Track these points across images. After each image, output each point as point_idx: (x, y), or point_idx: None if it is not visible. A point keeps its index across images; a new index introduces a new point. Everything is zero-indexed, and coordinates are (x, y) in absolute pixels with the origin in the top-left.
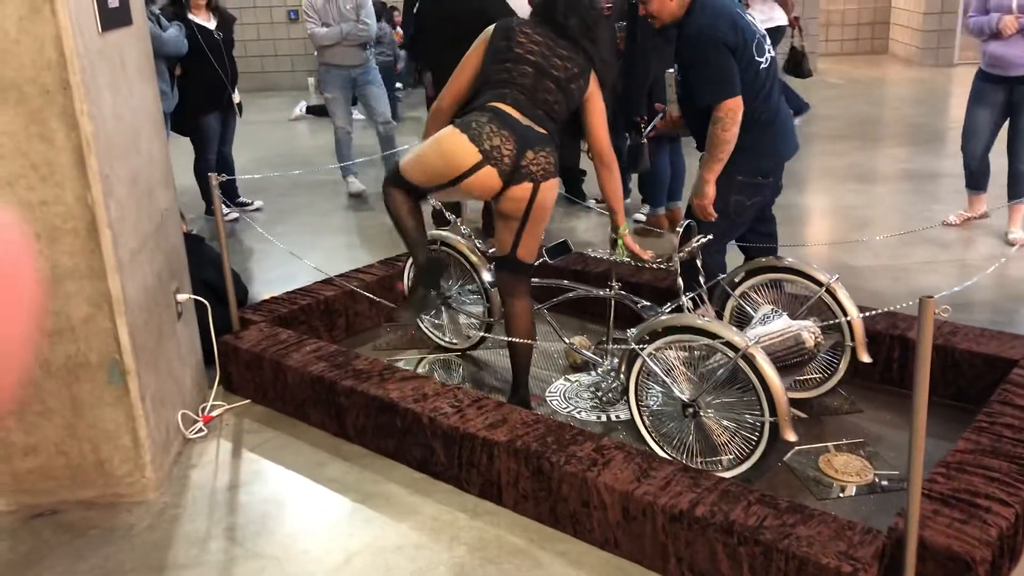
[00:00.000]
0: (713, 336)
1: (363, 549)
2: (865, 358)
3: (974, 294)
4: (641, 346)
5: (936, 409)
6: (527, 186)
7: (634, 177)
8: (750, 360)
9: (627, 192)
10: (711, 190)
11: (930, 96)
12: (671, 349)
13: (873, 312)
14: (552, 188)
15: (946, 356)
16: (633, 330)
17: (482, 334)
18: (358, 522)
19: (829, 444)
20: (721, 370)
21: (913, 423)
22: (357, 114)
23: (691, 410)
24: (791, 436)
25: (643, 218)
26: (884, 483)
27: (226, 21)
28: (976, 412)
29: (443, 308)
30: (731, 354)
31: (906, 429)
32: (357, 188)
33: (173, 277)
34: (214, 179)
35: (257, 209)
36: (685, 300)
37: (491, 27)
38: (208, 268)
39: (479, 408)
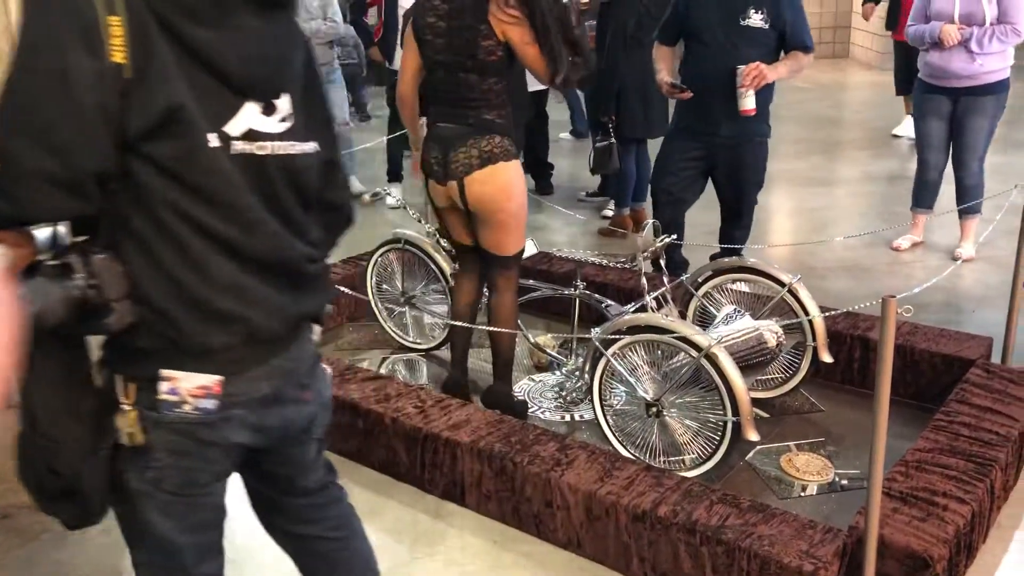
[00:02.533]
0: (676, 335)
1: None
2: (827, 358)
3: (930, 296)
4: (606, 345)
5: (895, 408)
6: (452, 185)
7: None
8: (713, 359)
9: (605, 190)
10: (773, 75)
11: (889, 100)
12: (635, 349)
13: (834, 312)
14: (484, 181)
15: (905, 355)
16: (597, 329)
17: (446, 334)
18: None
19: (790, 443)
20: (684, 369)
21: (875, 421)
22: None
23: (654, 409)
24: (753, 435)
25: (610, 215)
26: (844, 482)
27: None
28: (934, 411)
29: (407, 308)
30: (694, 353)
31: (866, 429)
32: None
33: None
34: None
35: None
36: (649, 300)
37: (408, 29)
38: None
39: (442, 409)
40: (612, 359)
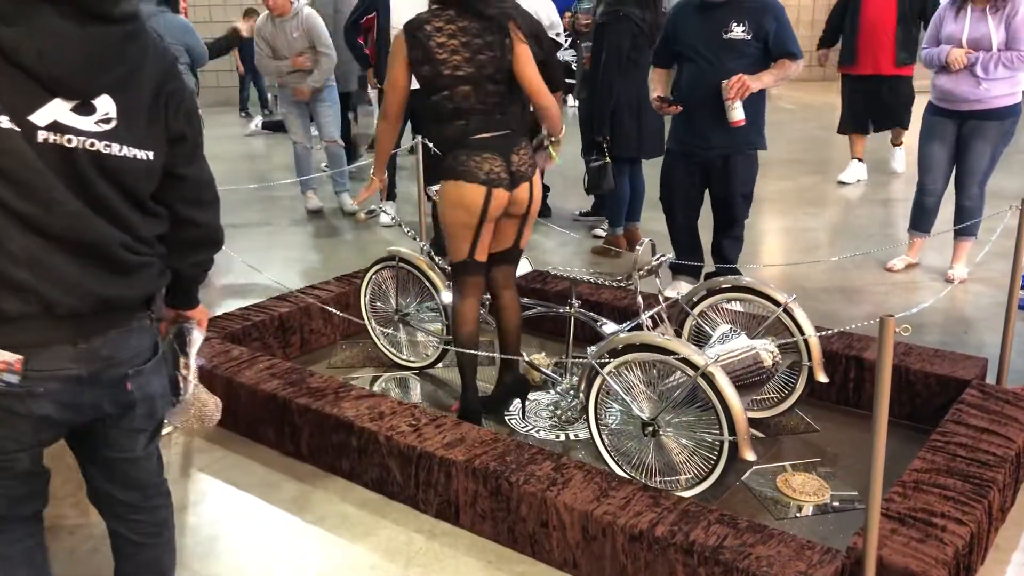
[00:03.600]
0: (673, 354)
1: (315, 573)
2: (822, 378)
3: (925, 316)
4: (601, 363)
5: (891, 429)
6: (524, 186)
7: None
8: (709, 379)
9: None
10: (758, 85)
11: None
12: (631, 368)
13: (829, 332)
14: (537, 180)
15: (900, 376)
16: (593, 348)
17: (440, 350)
18: (310, 545)
19: (786, 464)
20: (680, 389)
21: (873, 442)
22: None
23: (650, 429)
24: (750, 455)
25: (602, 234)
26: (839, 503)
27: None
28: (930, 432)
29: (400, 325)
30: (691, 372)
31: (861, 449)
32: (315, 204)
33: None
34: None
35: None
36: (645, 318)
37: (396, 43)
38: None
39: (437, 427)
40: (608, 378)
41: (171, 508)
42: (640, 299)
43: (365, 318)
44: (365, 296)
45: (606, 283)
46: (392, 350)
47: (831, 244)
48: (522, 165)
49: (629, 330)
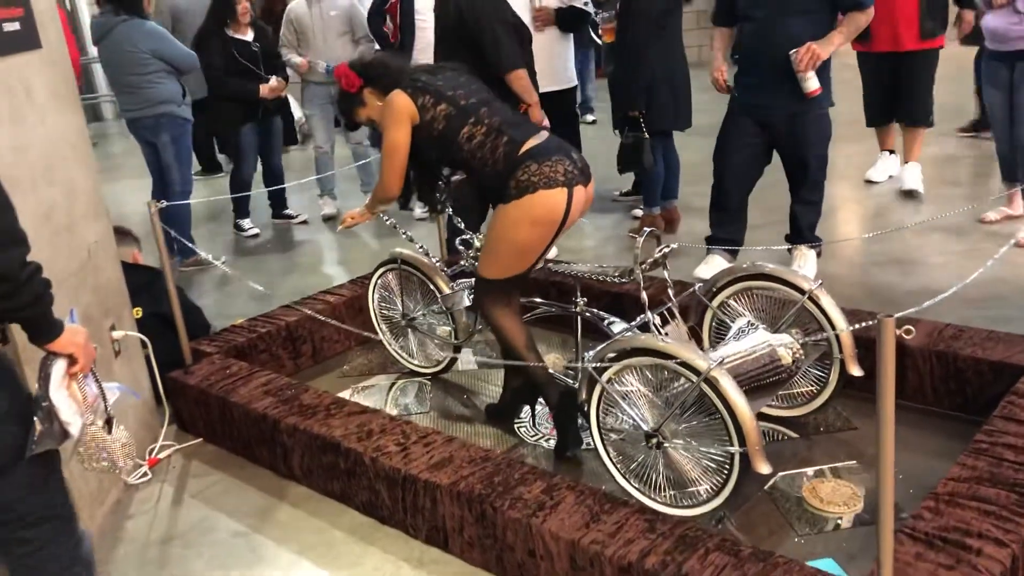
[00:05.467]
0: (671, 358)
1: None
2: (856, 371)
3: (987, 288)
4: (600, 369)
5: (938, 422)
6: (592, 181)
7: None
8: (713, 384)
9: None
10: (829, 50)
11: (957, 72)
12: (632, 373)
13: (867, 322)
14: None
15: (948, 363)
16: (591, 352)
17: (451, 356)
18: None
19: (817, 468)
20: (684, 396)
21: (880, 460)
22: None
23: (655, 440)
24: (764, 468)
25: (639, 214)
26: (867, 515)
27: (263, 32)
28: (983, 424)
29: (409, 331)
30: (693, 378)
31: (907, 448)
32: (329, 211)
33: (107, 314)
34: (153, 206)
35: (303, 222)
36: (651, 316)
37: (398, 101)
38: (165, 301)
39: (425, 445)
40: (606, 385)
41: (63, 546)
42: (644, 295)
43: (375, 323)
44: (373, 300)
45: (607, 278)
46: (404, 355)
47: (891, 211)
48: (581, 160)
49: (635, 329)
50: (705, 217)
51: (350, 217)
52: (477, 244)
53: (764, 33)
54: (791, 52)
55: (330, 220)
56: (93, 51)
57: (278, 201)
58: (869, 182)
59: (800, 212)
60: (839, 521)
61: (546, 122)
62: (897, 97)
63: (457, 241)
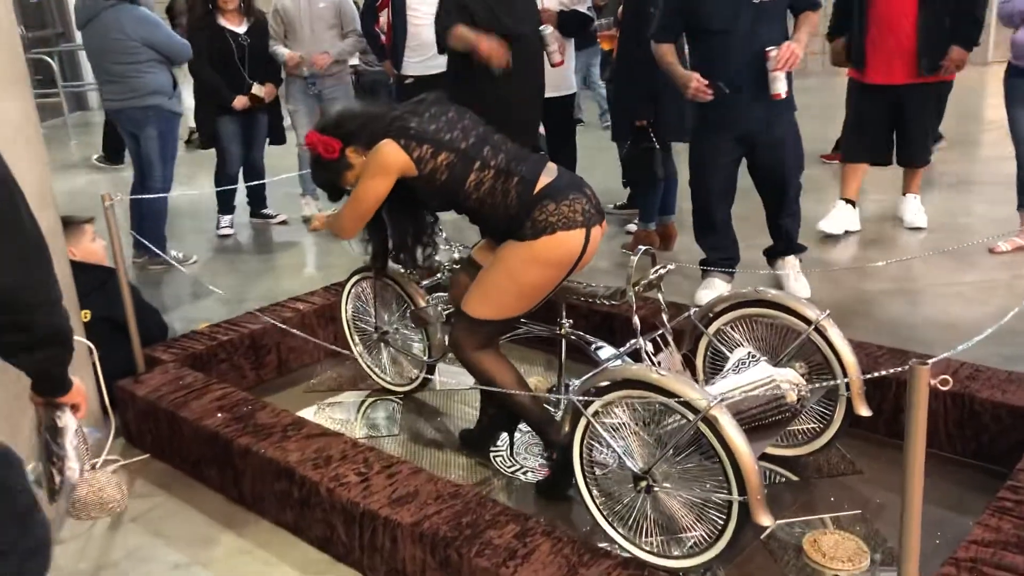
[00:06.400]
0: (667, 393)
1: None
2: (864, 411)
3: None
4: (585, 402)
5: (956, 470)
6: (605, 221)
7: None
8: (712, 424)
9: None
10: (801, 51)
11: (964, 95)
12: (621, 406)
13: (898, 368)
14: None
15: (964, 406)
16: (576, 382)
17: (423, 375)
18: None
19: (819, 518)
20: (678, 435)
21: (904, 525)
22: None
23: (644, 483)
24: (765, 519)
25: (634, 228)
26: (882, 573)
27: (260, 28)
28: (1007, 475)
29: (382, 345)
30: (690, 416)
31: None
32: (310, 211)
33: None
34: (107, 199)
35: (283, 222)
36: (642, 343)
37: (388, 152)
38: (118, 303)
39: (389, 476)
40: (592, 420)
41: None
42: (637, 319)
43: (347, 334)
44: (346, 310)
45: (596, 300)
46: (376, 371)
47: (901, 236)
48: (595, 197)
49: (623, 357)
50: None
51: (318, 221)
52: (455, 256)
53: (736, 44)
54: (768, 49)
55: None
56: (78, 36)
57: (257, 199)
58: (824, 233)
59: (786, 223)
60: None
61: (542, 129)
62: (896, 135)
63: (432, 254)
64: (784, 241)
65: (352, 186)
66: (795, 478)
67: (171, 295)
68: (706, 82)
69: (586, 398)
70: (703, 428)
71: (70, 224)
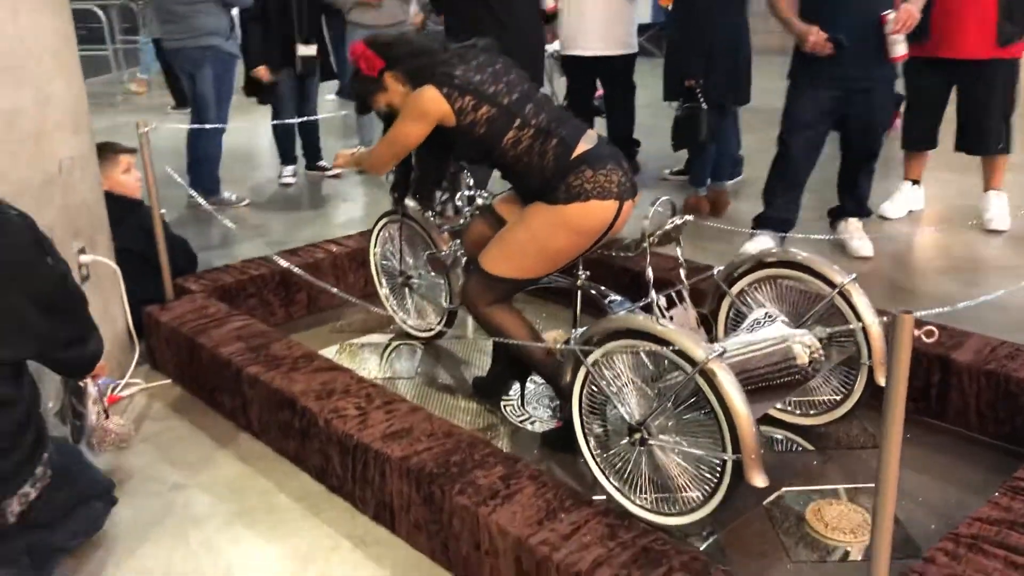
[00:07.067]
0: (666, 344)
1: None
2: (883, 381)
3: None
4: (586, 351)
5: (982, 451)
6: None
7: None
8: (710, 378)
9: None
10: (918, 12)
11: None
12: (623, 358)
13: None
14: None
15: (999, 385)
16: (579, 330)
17: (444, 321)
18: (222, 543)
19: (827, 488)
20: (678, 389)
21: (879, 490)
22: None
23: (639, 435)
24: (759, 480)
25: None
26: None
27: None
28: None
29: (406, 290)
30: (688, 368)
31: (935, 474)
32: None
33: (77, 235)
34: (143, 125)
35: (336, 175)
36: (656, 298)
37: (430, 98)
38: (142, 236)
39: (387, 412)
40: (592, 368)
41: None
42: (650, 272)
43: (375, 276)
44: (374, 253)
45: (612, 252)
46: (401, 315)
47: (960, 211)
48: (630, 171)
49: (639, 310)
50: (754, 202)
51: (341, 158)
52: (480, 202)
53: (856, 3)
54: (886, 13)
55: (365, 174)
56: None
57: (312, 151)
58: (883, 218)
59: (863, 180)
60: (848, 550)
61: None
62: (961, 118)
63: (456, 197)
64: (854, 201)
65: (380, 109)
66: (811, 447)
67: (218, 235)
68: (826, 35)
69: (586, 347)
70: (700, 382)
71: (104, 152)
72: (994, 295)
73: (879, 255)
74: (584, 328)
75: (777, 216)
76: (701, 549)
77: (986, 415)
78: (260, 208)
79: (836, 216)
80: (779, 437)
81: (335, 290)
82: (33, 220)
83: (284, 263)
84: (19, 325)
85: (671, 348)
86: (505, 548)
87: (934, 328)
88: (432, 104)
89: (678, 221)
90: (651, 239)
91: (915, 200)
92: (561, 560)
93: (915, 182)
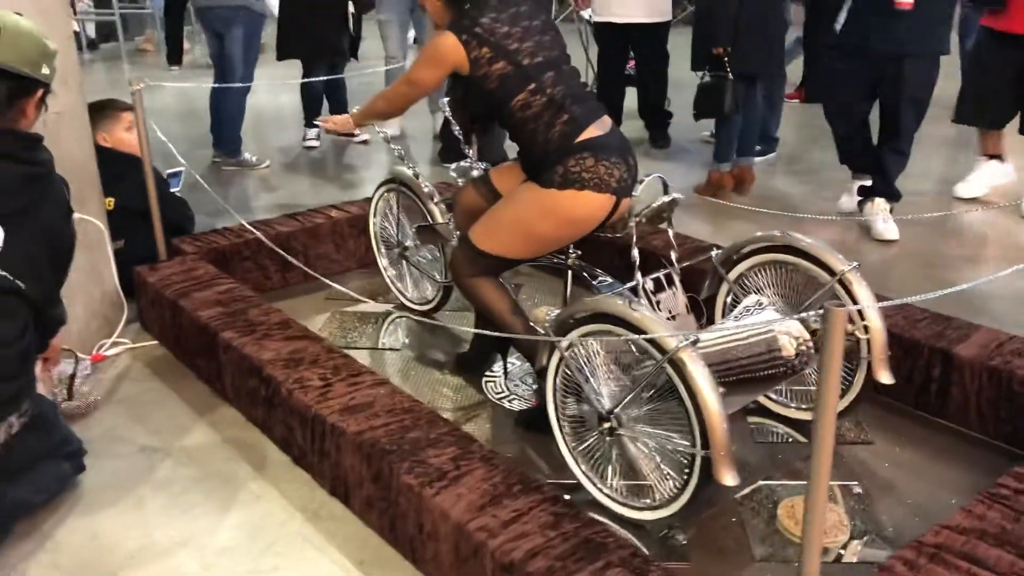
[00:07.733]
0: (636, 330)
1: (153, 546)
2: (885, 379)
3: None
4: (561, 334)
5: (980, 451)
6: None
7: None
8: (680, 368)
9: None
10: None
11: None
12: (597, 342)
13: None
14: None
15: (1001, 383)
16: (553, 312)
17: (440, 296)
18: (176, 510)
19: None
20: (648, 378)
21: (811, 488)
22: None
23: (608, 425)
24: (728, 479)
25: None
26: (858, 554)
27: None
28: None
29: (403, 262)
30: (657, 356)
31: (926, 474)
32: (392, 131)
33: None
34: (136, 84)
35: (363, 142)
36: (642, 280)
37: (447, 45)
38: (141, 194)
39: (352, 384)
40: (565, 353)
41: None
42: (636, 252)
43: (374, 245)
44: (373, 222)
45: (599, 233)
46: (398, 286)
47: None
48: (635, 169)
49: (626, 292)
50: (782, 180)
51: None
52: (475, 174)
53: None
54: None
55: (391, 141)
56: None
57: (339, 114)
58: (959, 199)
59: (887, 160)
60: None
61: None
62: None
63: (451, 169)
64: (880, 178)
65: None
66: (803, 439)
67: (237, 195)
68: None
69: (560, 330)
70: (670, 372)
71: (107, 109)
72: (985, 279)
73: (907, 239)
74: (562, 310)
75: (860, 158)
76: (662, 537)
77: (986, 415)
78: (282, 171)
79: (865, 196)
80: (772, 429)
81: (299, 264)
82: (69, 187)
83: (257, 232)
84: (38, 273)
85: (645, 336)
86: (445, 532)
87: (868, 326)
88: (447, 50)
89: (666, 199)
90: (639, 218)
91: (1000, 174)
92: (496, 548)
93: (995, 157)
